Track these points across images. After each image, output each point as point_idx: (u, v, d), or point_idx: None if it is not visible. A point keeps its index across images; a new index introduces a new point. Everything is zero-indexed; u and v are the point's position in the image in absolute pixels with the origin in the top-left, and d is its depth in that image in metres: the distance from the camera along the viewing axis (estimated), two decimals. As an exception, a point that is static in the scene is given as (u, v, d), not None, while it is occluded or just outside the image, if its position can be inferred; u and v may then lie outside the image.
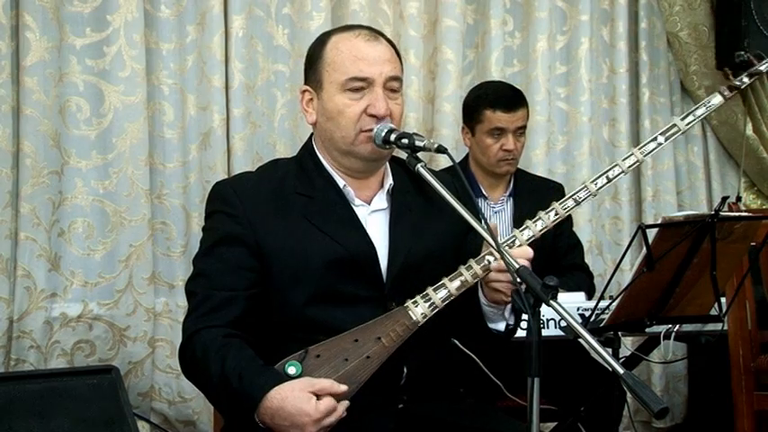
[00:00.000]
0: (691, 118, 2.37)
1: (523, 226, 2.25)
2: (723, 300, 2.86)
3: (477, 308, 2.29)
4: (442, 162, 3.76)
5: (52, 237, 3.38)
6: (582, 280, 3.58)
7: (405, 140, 2.20)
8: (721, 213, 2.60)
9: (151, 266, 3.50)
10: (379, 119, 2.24)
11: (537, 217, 2.26)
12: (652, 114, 4.48)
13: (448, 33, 4.04)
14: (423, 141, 2.19)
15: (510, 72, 4.22)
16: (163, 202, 3.58)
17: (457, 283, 2.20)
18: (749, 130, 4.55)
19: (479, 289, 2.25)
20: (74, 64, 3.41)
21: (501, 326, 2.32)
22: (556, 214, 2.27)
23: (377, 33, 2.35)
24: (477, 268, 2.19)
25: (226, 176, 3.60)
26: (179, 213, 3.59)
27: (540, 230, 2.25)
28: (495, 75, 4.09)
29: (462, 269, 2.21)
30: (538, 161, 4.15)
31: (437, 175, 2.20)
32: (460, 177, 2.12)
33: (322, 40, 2.35)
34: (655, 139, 2.34)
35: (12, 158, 3.30)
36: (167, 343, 3.57)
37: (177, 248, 3.59)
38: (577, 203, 2.29)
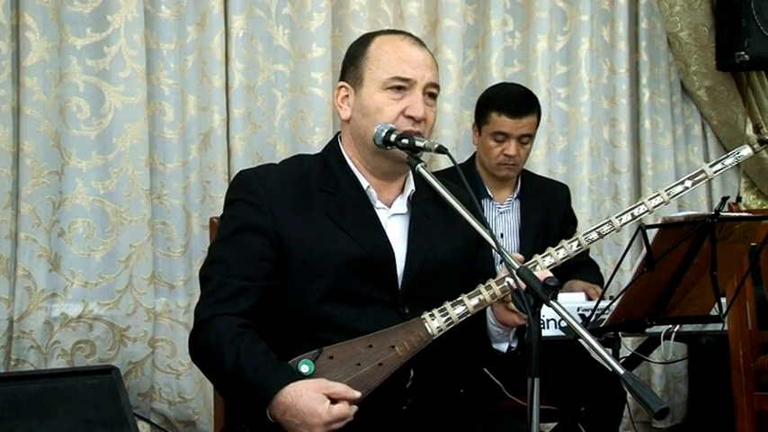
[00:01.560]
0: (719, 166, 2.44)
1: (545, 252, 2.28)
2: (723, 300, 2.86)
3: (483, 326, 2.31)
4: (443, 163, 3.75)
5: (52, 237, 3.38)
6: (597, 273, 3.62)
7: (405, 140, 2.21)
8: (721, 213, 2.60)
9: (151, 267, 3.50)
10: (416, 121, 2.26)
11: (559, 245, 2.29)
12: (652, 115, 4.47)
13: (448, 33, 4.03)
14: (423, 141, 2.20)
15: (510, 72, 4.21)
16: (163, 202, 3.58)
17: (475, 301, 2.21)
18: (749, 130, 4.54)
19: (489, 308, 2.27)
20: (74, 64, 3.41)
21: (503, 347, 2.34)
22: (579, 245, 2.30)
23: (420, 41, 2.37)
24: (496, 289, 2.21)
25: (226, 177, 3.61)
26: (179, 213, 3.59)
27: (562, 258, 2.28)
28: (496, 75, 4.09)
29: (482, 288, 2.22)
30: (538, 161, 4.14)
31: (446, 184, 2.19)
32: (461, 178, 2.12)
33: (366, 39, 2.37)
34: (682, 182, 2.41)
35: (12, 158, 3.30)
36: (167, 343, 3.57)
37: (177, 248, 3.59)
38: (601, 237, 2.33)
